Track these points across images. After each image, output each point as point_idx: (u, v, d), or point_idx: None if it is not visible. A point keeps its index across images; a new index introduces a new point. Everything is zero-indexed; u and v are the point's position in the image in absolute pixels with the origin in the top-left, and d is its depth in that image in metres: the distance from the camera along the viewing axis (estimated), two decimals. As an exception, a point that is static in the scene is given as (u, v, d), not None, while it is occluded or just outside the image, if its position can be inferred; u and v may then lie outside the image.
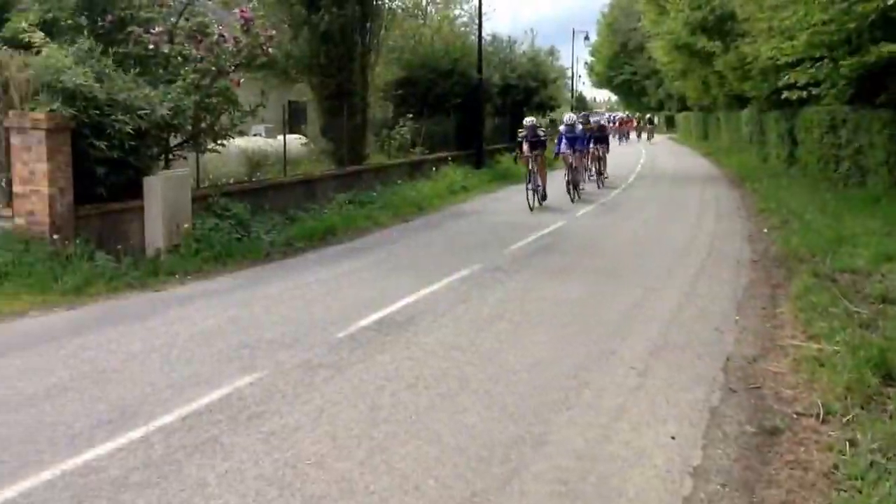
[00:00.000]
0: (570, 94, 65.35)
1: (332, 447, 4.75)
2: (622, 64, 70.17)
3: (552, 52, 36.87)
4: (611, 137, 35.20)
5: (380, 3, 18.43)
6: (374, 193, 17.00)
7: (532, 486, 4.30)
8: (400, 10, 23.17)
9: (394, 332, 7.34)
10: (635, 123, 61.04)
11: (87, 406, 5.29)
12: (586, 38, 69.35)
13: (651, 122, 59.01)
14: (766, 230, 13.75)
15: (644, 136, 56.84)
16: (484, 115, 26.90)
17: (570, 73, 63.41)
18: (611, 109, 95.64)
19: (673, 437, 4.99)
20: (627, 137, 55.08)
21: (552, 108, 35.69)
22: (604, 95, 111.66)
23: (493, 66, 29.13)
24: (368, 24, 17.70)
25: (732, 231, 13.99)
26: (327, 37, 16.54)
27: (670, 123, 69.65)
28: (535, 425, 5.14)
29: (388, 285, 9.34)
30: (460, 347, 6.86)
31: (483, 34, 27.21)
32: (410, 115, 22.42)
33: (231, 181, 13.58)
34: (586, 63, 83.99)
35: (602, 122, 32.72)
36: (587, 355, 6.68)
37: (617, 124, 56.50)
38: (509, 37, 33.88)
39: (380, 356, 6.59)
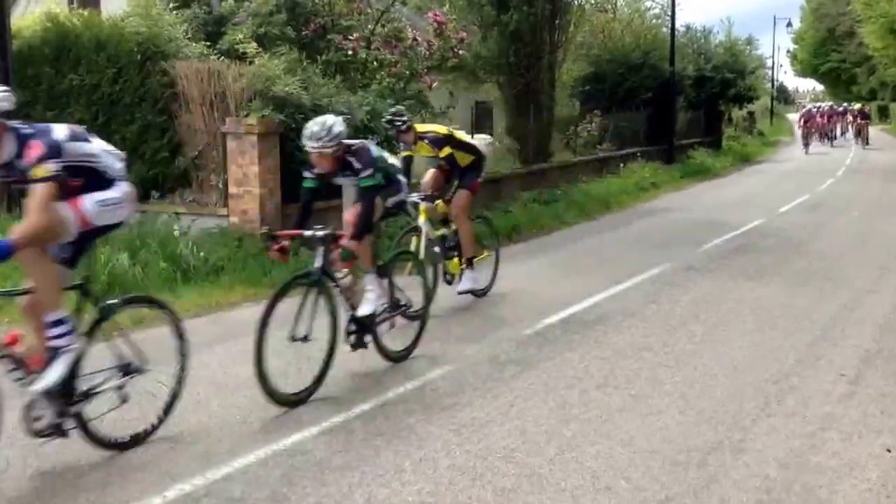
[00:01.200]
0: (770, 85, 61.67)
1: (522, 442, 4.80)
2: (829, 51, 65.22)
3: (750, 41, 35.09)
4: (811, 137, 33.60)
5: (569, -1, 18.34)
6: (560, 191, 16.89)
7: (731, 493, 4.13)
8: (589, 5, 22.89)
9: (581, 330, 7.29)
10: (851, 119, 41.40)
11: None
12: (788, 24, 65.11)
13: (865, 115, 39.54)
14: None
15: (858, 135, 37.79)
16: (676, 109, 26.00)
17: (770, 63, 59.89)
18: (815, 99, 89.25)
19: (889, 451, 4.62)
20: (832, 138, 38.82)
21: (750, 100, 33.87)
22: (808, 85, 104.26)
23: (687, 58, 28.13)
24: (557, 21, 17.65)
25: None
26: (516, 36, 16.67)
27: (883, 113, 64.06)
28: (734, 431, 4.92)
29: (575, 283, 9.28)
30: (651, 348, 6.70)
31: (676, 25, 26.35)
32: (598, 111, 22.10)
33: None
34: (788, 51, 78.82)
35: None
36: (790, 360, 6.31)
37: (825, 118, 38.88)
38: (704, 27, 32.58)
39: (568, 354, 6.56)
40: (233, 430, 4.95)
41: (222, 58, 10.55)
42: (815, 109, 39.13)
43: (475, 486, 4.22)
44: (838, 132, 41.26)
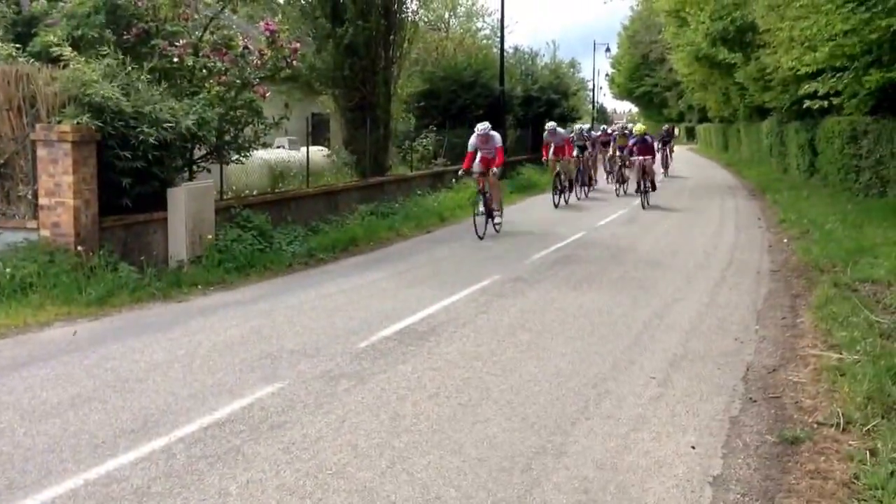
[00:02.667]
0: (591, 106, 65.21)
1: (354, 457, 4.77)
2: (643, 75, 70.00)
3: (573, 64, 37.12)
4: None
5: (404, 16, 18.54)
6: (397, 205, 17.07)
7: (553, 496, 4.29)
8: (423, 23, 23.29)
9: (415, 342, 7.36)
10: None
11: (110, 415, 5.34)
12: (607, 49, 69.13)
13: (669, 135, 33.98)
14: (786, 240, 13.66)
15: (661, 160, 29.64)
16: (506, 127, 26.93)
17: (591, 85, 63.35)
18: (631, 120, 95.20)
19: (693, 447, 4.97)
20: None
21: (573, 120, 35.67)
22: (625, 107, 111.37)
23: (515, 78, 29.24)
24: (392, 37, 17.82)
25: (752, 241, 13.91)
26: (351, 50, 16.67)
27: (690, 135, 69.32)
28: (556, 435, 5.13)
29: (410, 296, 9.37)
30: (481, 358, 6.87)
31: (505, 47, 27.35)
32: (433, 127, 22.51)
33: (254, 193, 13.70)
34: (607, 75, 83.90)
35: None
36: (607, 365, 6.66)
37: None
38: (531, 49, 34.04)
39: (401, 366, 6.61)
40: (40, 460, 4.60)
41: (33, 61, 9.84)
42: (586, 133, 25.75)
43: (304, 505, 4.15)
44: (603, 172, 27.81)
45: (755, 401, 5.84)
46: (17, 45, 10.16)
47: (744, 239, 14.24)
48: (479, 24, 36.35)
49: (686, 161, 43.95)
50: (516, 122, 29.70)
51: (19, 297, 8.35)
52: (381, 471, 4.58)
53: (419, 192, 19.14)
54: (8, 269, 8.60)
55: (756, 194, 23.15)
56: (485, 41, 33.52)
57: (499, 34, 27.14)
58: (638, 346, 7.29)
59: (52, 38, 9.79)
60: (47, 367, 6.39)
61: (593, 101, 70.11)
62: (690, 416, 5.52)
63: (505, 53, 27.25)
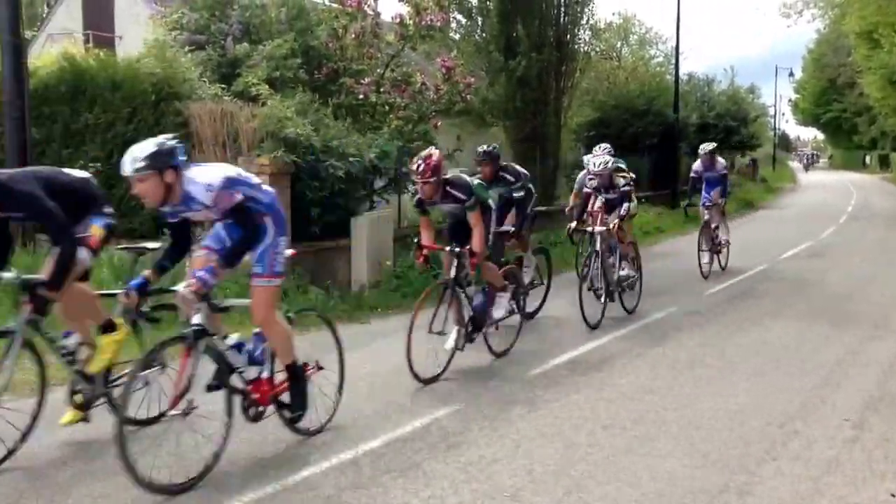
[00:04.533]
0: (772, 133, 62.18)
1: (529, 481, 4.83)
2: (830, 100, 65.98)
3: (752, 89, 35.67)
4: None
5: (576, 47, 18.64)
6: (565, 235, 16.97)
7: (737, 536, 4.15)
8: (595, 53, 23.27)
9: (588, 372, 7.34)
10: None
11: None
12: (790, 74, 65.84)
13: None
14: None
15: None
16: (680, 155, 26.25)
17: (772, 112, 60.48)
18: (816, 148, 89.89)
19: (893, 495, 4.64)
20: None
21: (753, 147, 34.21)
22: (810, 133, 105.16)
23: (690, 105, 28.51)
24: (564, 68, 17.96)
25: (961, 277, 12.74)
26: (523, 81, 16.93)
27: (884, 163, 64.43)
28: (739, 475, 4.95)
29: (581, 326, 9.28)
30: (657, 391, 6.74)
31: (679, 73, 26.75)
32: (603, 157, 22.31)
33: (428, 222, 14.12)
34: (790, 100, 79.77)
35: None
36: (795, 404, 6.34)
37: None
38: (706, 75, 33.05)
39: (574, 395, 6.61)
40: (242, 467, 4.98)
41: (235, 99, 10.74)
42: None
43: (483, 525, 4.25)
44: None
45: (965, 448, 5.37)
46: (223, 86, 11.13)
47: (948, 274, 13.08)
48: (653, 52, 35.82)
49: (879, 191, 40.94)
50: (690, 149, 28.84)
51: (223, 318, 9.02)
52: (558, 498, 4.61)
53: (589, 222, 18.95)
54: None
55: (963, 226, 21.20)
56: (658, 68, 32.91)
57: (673, 61, 26.61)
58: (829, 385, 6.89)
59: (252, 78, 10.66)
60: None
61: (775, 128, 66.76)
62: (890, 461, 5.15)
63: (679, 80, 26.65)
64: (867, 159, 71.73)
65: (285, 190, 9.96)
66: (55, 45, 15.13)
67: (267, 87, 10.51)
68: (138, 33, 14.06)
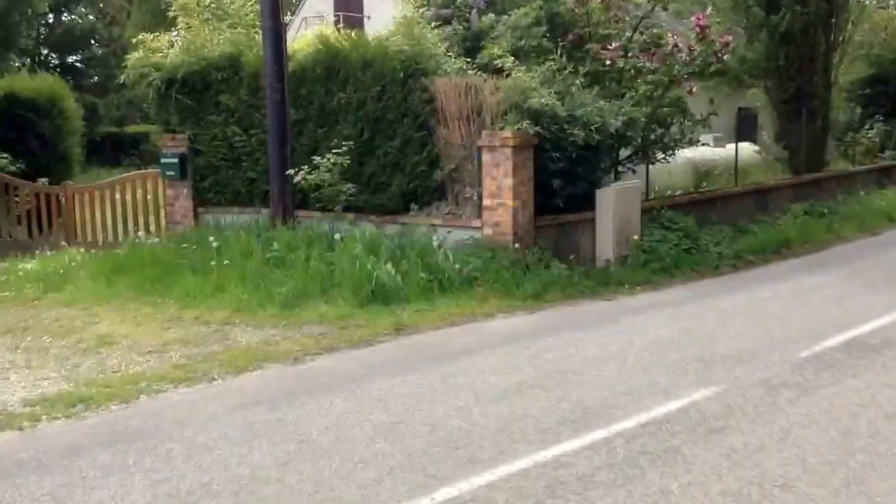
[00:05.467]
0: None
1: (802, 471, 4.43)
2: None
3: None
4: None
5: (848, -4, 16.83)
6: (835, 203, 15.50)
7: None
8: (870, 2, 20.91)
9: (866, 355, 6.62)
10: None
11: (552, 403, 5.61)
12: None
13: None
14: None
15: None
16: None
17: None
18: None
19: None
20: None
21: None
22: None
23: None
24: (834, 20, 16.28)
25: None
26: (787, 37, 15.56)
27: None
28: None
29: (856, 304, 8.44)
30: (954, 379, 5.90)
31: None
32: (880, 116, 20.05)
33: (678, 192, 13.49)
34: None
35: None
36: None
37: None
38: None
39: (851, 380, 5.98)
40: (494, 439, 4.99)
41: (479, 72, 10.81)
42: None
43: (750, 517, 3.93)
44: None
45: None
46: (467, 59, 11.25)
47: None
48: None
49: None
50: None
51: (466, 290, 9.21)
52: (835, 489, 4.20)
53: (862, 189, 17.15)
54: (457, 265, 9.55)
55: None
56: (946, 14, 28.84)
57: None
58: None
59: (496, 49, 10.65)
60: (494, 355, 6.95)
61: None
62: None
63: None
64: None
65: (528, 162, 9.92)
66: (309, 28, 16.14)
67: (511, 57, 10.45)
68: (385, 12, 14.59)
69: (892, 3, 26.77)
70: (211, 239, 10.22)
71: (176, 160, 11.86)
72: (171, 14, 13.04)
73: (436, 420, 5.28)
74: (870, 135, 19.32)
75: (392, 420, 5.32)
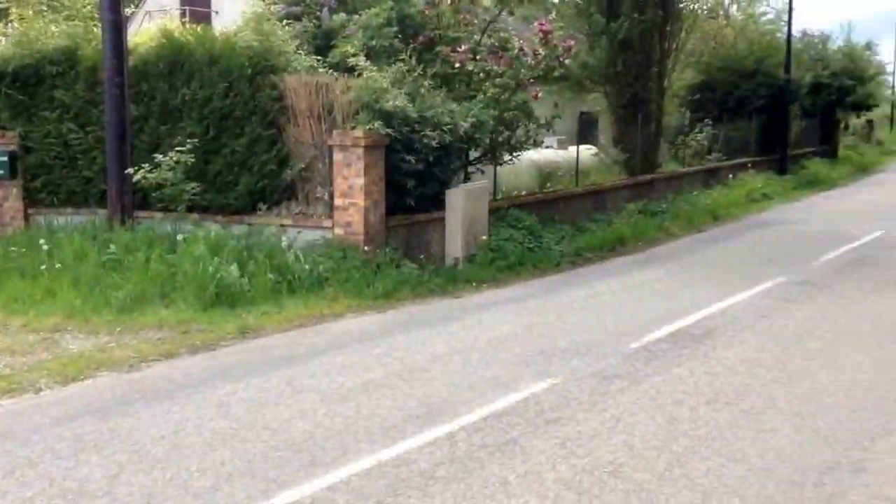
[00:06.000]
0: (890, 92, 58.51)
1: (630, 457, 4.70)
2: (955, 54, 61.61)
3: (870, 46, 33.39)
4: None
5: (682, 5, 17.89)
6: (667, 203, 16.54)
7: (853, 519, 3.92)
8: (701, 12, 22.31)
9: (690, 345, 7.09)
10: None
11: (398, 401, 5.70)
12: (911, 28, 61.82)
13: None
14: None
15: None
16: (790, 118, 25.01)
17: (890, 70, 56.81)
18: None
19: None
20: None
21: (869, 108, 32.21)
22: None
23: (803, 64, 27.05)
24: (668, 29, 17.24)
25: None
26: (626, 44, 16.36)
27: None
28: (853, 451, 4.69)
29: (683, 297, 9.04)
30: (764, 364, 6.45)
31: (792, 31, 25.40)
32: (708, 121, 21.53)
33: (523, 193, 13.96)
34: (911, 57, 74.86)
35: None
36: (917, 380, 5.95)
37: None
38: (821, 32, 31.23)
39: (676, 369, 6.40)
40: (339, 440, 5.01)
41: (331, 71, 10.75)
42: None
43: (582, 501, 4.16)
44: None
45: None
46: (318, 57, 11.16)
47: None
48: (763, 9, 34.00)
49: None
50: (802, 111, 27.45)
51: (316, 290, 9.15)
52: (659, 473, 4.48)
53: (691, 189, 18.38)
54: (307, 265, 9.48)
55: None
56: (769, 26, 31.27)
57: (785, 18, 25.27)
58: (954, 359, 6.43)
59: (348, 48, 10.62)
60: (342, 355, 6.96)
61: (893, 87, 62.82)
62: None
63: (792, 38, 25.29)
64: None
65: (379, 162, 9.99)
66: (153, 22, 15.51)
67: (363, 57, 10.45)
68: (234, 7, 14.22)
69: (720, 13, 28.80)
70: (41, 241, 9.66)
71: (5, 158, 11.14)
72: (2, 5, 12.26)
73: (279, 424, 5.25)
74: (698, 138, 20.71)
75: (233, 426, 5.24)
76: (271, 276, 8.94)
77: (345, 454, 4.77)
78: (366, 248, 9.74)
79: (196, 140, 10.20)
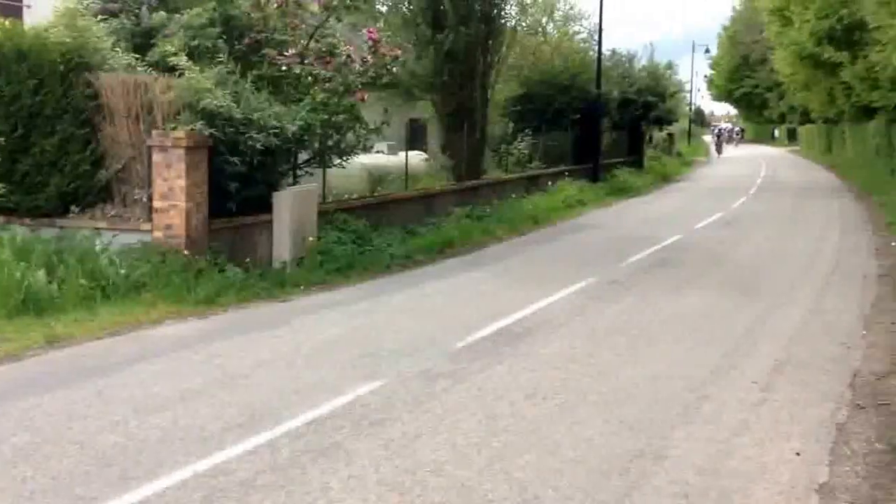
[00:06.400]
0: (688, 108, 63.70)
1: (452, 455, 4.84)
2: (743, 76, 68.14)
3: (670, 66, 36.28)
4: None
5: (503, 21, 18.62)
6: (491, 208, 17.14)
7: (652, 500, 4.25)
8: (521, 28, 23.32)
9: (511, 343, 7.40)
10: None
11: (217, 410, 5.56)
12: (707, 51, 67.63)
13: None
14: (894, 244, 13.06)
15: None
16: (601, 130, 26.68)
17: (688, 87, 61.90)
18: (729, 121, 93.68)
19: (798, 454, 4.84)
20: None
21: (670, 122, 34.92)
22: (723, 109, 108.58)
23: (612, 80, 28.89)
24: (491, 43, 17.92)
25: (858, 245, 13.40)
26: (451, 56, 16.84)
27: (792, 136, 67.11)
28: (655, 439, 5.07)
29: (505, 297, 9.41)
30: (578, 360, 6.84)
31: (602, 49, 27.10)
32: (528, 131, 22.50)
33: (354, 196, 14.00)
34: (706, 76, 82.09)
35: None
36: (707, 370, 6.53)
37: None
38: (628, 51, 33.52)
39: (498, 366, 6.65)
40: (153, 451, 4.83)
41: (151, 70, 10.34)
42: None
43: (404, 502, 4.23)
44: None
45: (863, 407, 5.65)
46: (137, 56, 10.68)
47: (849, 243, 13.70)
48: (577, 28, 36.06)
49: (787, 163, 42.53)
50: (612, 124, 29.36)
51: (133, 296, 8.75)
52: (479, 469, 4.63)
53: (514, 195, 19.16)
54: (123, 270, 9.03)
55: (861, 197, 22.31)
56: (582, 44, 33.19)
57: (596, 37, 26.92)
58: (739, 351, 7.12)
59: (169, 48, 10.25)
60: (159, 363, 6.70)
61: (691, 104, 68.47)
62: (795, 422, 5.36)
63: (602, 56, 27.02)
64: (776, 133, 74.55)
65: (202, 163, 9.69)
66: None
67: (185, 57, 10.12)
68: (48, 2, 13.39)
69: (539, 30, 30.19)
70: None
71: None
72: None
73: (88, 437, 4.98)
74: (520, 147, 21.63)
75: (36, 441, 4.92)
76: (83, 282, 8.45)
77: (159, 467, 4.60)
78: (187, 251, 9.42)
79: (2, 139, 9.50)
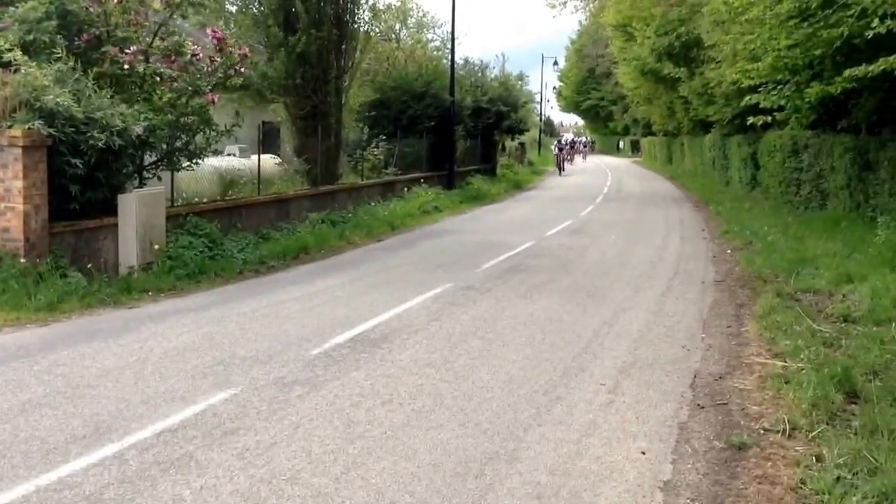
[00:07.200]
0: (538, 118, 66.00)
1: (308, 463, 4.80)
2: (590, 89, 71.37)
3: (521, 77, 37.48)
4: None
5: (355, 26, 18.59)
6: (347, 213, 17.09)
7: (506, 501, 4.39)
8: (374, 33, 23.35)
9: (368, 349, 7.41)
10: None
11: (61, 421, 5.29)
12: (555, 63, 70.15)
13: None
14: (729, 251, 14.05)
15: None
16: (456, 138, 27.17)
17: (538, 98, 64.21)
18: (578, 133, 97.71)
19: (643, 453, 5.11)
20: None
21: (522, 132, 36.09)
22: (571, 119, 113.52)
23: (465, 89, 29.50)
24: (344, 47, 17.85)
25: (697, 252, 14.27)
26: (303, 59, 16.65)
27: (635, 148, 70.83)
28: (509, 441, 5.23)
29: (362, 303, 9.41)
30: (434, 364, 6.95)
31: (455, 58, 27.61)
32: (384, 137, 22.58)
33: (205, 200, 13.58)
34: (555, 88, 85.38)
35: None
36: (558, 372, 6.79)
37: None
38: (481, 61, 34.35)
39: (354, 373, 6.65)
40: (-11, 467, 4.53)
41: (-18, 66, 9.63)
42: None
43: (260, 510, 4.17)
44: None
45: (703, 407, 6.02)
46: (-34, 50, 9.93)
47: (689, 249, 14.60)
48: (430, 36, 36.67)
49: (631, 173, 44.86)
50: (466, 132, 29.96)
51: None
52: (336, 476, 4.62)
53: (369, 200, 19.20)
54: (-50, 276, 8.39)
55: (700, 206, 23.74)
56: (435, 52, 33.74)
57: (449, 45, 27.41)
58: (588, 353, 7.45)
59: (2, 42, 9.60)
60: (-6, 374, 6.27)
61: (541, 114, 70.99)
62: (640, 422, 5.67)
63: (455, 65, 27.53)
64: (620, 144, 78.54)
65: (41, 164, 9.14)
66: None
67: (20, 52, 9.49)
68: None
69: (393, 36, 30.39)
70: None
71: None
72: None
73: (-87, 457, 4.59)
74: (376, 153, 21.70)
75: None
76: None
77: (-2, 484, 4.32)
78: (25, 256, 8.85)
79: None
